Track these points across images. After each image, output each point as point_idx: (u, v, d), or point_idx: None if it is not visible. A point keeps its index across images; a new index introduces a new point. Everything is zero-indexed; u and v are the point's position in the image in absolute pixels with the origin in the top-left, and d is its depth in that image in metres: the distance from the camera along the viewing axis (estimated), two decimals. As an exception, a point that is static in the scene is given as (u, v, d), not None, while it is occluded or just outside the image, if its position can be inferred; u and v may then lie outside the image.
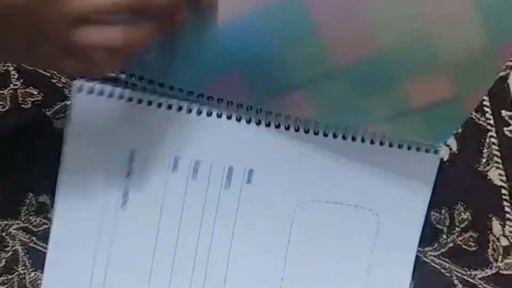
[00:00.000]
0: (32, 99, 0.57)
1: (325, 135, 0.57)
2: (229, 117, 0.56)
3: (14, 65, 0.57)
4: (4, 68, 0.58)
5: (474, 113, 0.62)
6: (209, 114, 0.56)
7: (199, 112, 0.56)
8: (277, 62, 0.52)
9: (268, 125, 0.56)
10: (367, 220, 0.58)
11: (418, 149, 0.57)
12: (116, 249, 0.55)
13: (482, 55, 0.51)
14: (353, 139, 0.57)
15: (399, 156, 0.57)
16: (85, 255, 0.55)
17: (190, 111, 0.56)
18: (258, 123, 0.57)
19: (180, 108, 0.56)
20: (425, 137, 0.56)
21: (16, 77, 0.58)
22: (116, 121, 0.55)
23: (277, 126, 0.57)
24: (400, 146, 0.57)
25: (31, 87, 0.58)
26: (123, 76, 0.55)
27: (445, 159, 0.60)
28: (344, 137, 0.56)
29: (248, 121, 0.57)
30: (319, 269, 0.57)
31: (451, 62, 0.51)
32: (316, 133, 0.57)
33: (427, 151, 0.57)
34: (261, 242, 0.57)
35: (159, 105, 0.56)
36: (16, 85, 0.58)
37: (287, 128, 0.57)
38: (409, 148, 0.57)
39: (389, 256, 0.58)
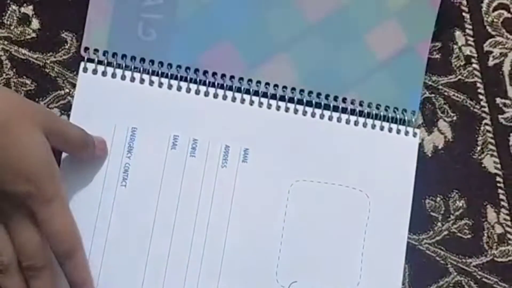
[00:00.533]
0: (25, 89, 0.58)
1: (313, 116, 0.60)
2: (224, 98, 0.59)
3: (7, 54, 0.58)
4: (-4, 58, 0.59)
5: (468, 101, 0.63)
6: (206, 95, 0.59)
7: (197, 92, 0.59)
8: (260, 27, 0.60)
9: (260, 105, 0.59)
10: (359, 201, 0.59)
11: (398, 132, 0.61)
12: (115, 224, 0.56)
13: (420, 4, 0.61)
14: (338, 120, 0.60)
15: (381, 139, 0.61)
16: (84, 230, 0.55)
17: (188, 91, 0.58)
18: (251, 103, 0.59)
19: (179, 88, 0.58)
20: (397, 99, 0.61)
21: (8, 66, 0.58)
22: (118, 100, 0.58)
23: (269, 107, 0.59)
24: (381, 129, 0.60)
25: (24, 77, 0.58)
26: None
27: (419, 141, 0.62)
28: (330, 119, 0.60)
29: (242, 102, 0.59)
30: (315, 248, 0.59)
31: (397, 9, 0.61)
32: (304, 114, 0.60)
33: (406, 134, 0.61)
34: (258, 220, 0.58)
35: (160, 85, 0.58)
36: (9, 74, 0.58)
37: (278, 109, 0.60)
38: (389, 131, 0.60)
39: (381, 236, 0.59)
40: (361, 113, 0.61)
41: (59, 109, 0.58)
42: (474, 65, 0.63)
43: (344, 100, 0.60)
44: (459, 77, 0.63)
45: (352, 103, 0.61)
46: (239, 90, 0.59)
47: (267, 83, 0.60)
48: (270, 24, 0.60)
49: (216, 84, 0.59)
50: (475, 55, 0.63)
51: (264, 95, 0.60)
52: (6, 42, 0.58)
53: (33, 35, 0.59)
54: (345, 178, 0.59)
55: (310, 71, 0.60)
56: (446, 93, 0.63)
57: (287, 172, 0.59)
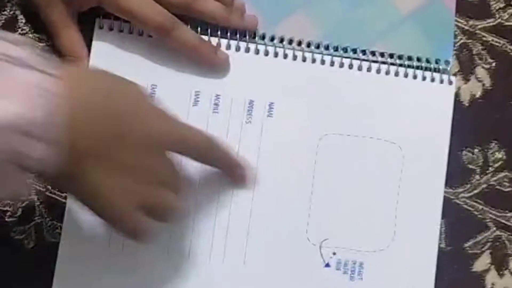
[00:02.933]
0: (41, 44, 0.57)
1: (341, 66, 0.57)
2: (247, 50, 0.57)
3: (21, 9, 0.57)
4: (11, 12, 0.57)
5: (509, 46, 0.60)
6: (228, 48, 0.57)
7: (219, 45, 0.56)
8: None
9: (285, 57, 0.57)
10: (391, 153, 0.57)
11: (432, 80, 0.58)
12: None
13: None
14: (368, 70, 0.57)
15: (415, 88, 0.58)
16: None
17: (210, 44, 0.56)
18: (276, 55, 0.57)
19: (200, 42, 0.56)
20: (428, 50, 0.58)
21: (24, 21, 0.57)
22: (136, 57, 0.56)
23: (294, 58, 0.57)
24: (415, 77, 0.57)
25: (40, 32, 0.57)
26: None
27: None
28: (359, 69, 0.57)
29: (266, 54, 0.57)
30: (346, 205, 0.57)
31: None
32: (332, 65, 0.57)
33: (441, 82, 0.58)
34: (286, 176, 0.56)
35: (179, 39, 0.56)
36: (24, 29, 0.57)
37: (304, 60, 0.57)
38: (423, 79, 0.57)
39: (416, 191, 0.57)
40: (392, 64, 0.57)
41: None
42: (515, 7, 0.60)
43: (373, 53, 0.58)
44: (499, 20, 0.60)
45: (382, 55, 0.58)
46: (262, 39, 0.57)
47: (291, 41, 0.57)
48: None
49: (238, 36, 0.57)
50: (516, -5, 0.60)
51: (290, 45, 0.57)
52: (20, -4, 0.56)
53: (49, -12, 0.57)
54: (376, 130, 0.57)
55: (331, 27, 0.58)
56: (484, 38, 0.60)
57: (315, 126, 0.57)
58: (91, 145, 0.43)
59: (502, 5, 0.60)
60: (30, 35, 0.56)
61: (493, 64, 0.60)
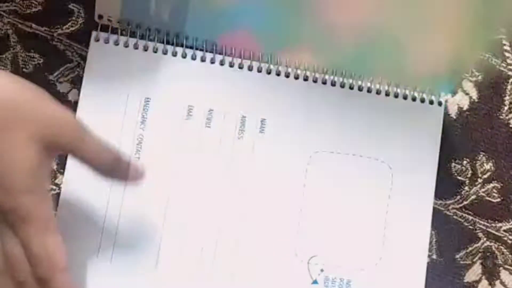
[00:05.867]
0: (33, 63, 0.57)
1: (333, 84, 0.58)
2: (240, 67, 0.57)
3: (14, 28, 0.57)
4: (3, 31, 0.57)
5: (494, 59, 0.60)
6: (222, 64, 0.57)
7: (213, 61, 0.57)
8: (277, 17, 0.56)
9: (278, 74, 0.57)
10: (380, 172, 0.57)
11: (422, 101, 0.59)
12: (129, 197, 0.55)
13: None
14: (360, 89, 0.58)
15: (405, 108, 0.58)
16: (98, 201, 0.54)
17: (203, 60, 0.57)
18: (269, 72, 0.57)
19: (194, 58, 0.57)
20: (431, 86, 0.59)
21: (16, 40, 0.57)
22: (131, 70, 0.56)
23: (287, 76, 0.57)
24: (405, 97, 0.58)
25: (32, 51, 0.57)
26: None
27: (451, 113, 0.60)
28: (351, 87, 0.58)
29: (259, 71, 0.57)
30: (335, 222, 0.57)
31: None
32: (324, 83, 0.58)
33: (431, 102, 0.58)
34: (275, 194, 0.56)
35: (174, 54, 0.56)
36: (16, 49, 0.57)
37: (297, 78, 0.58)
38: (413, 99, 0.58)
39: (405, 209, 0.57)
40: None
41: (69, 83, 0.56)
42: (499, 22, 0.61)
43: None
44: (484, 34, 0.60)
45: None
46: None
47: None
48: (287, 16, 0.56)
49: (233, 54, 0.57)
50: (500, 11, 0.61)
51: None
52: (12, 16, 0.56)
53: (40, 7, 0.57)
54: (366, 148, 0.57)
55: (332, 62, 0.58)
56: (470, 52, 0.60)
57: (306, 143, 0.57)
58: None
59: (487, 21, 0.61)
60: (22, 54, 0.56)
61: (479, 77, 0.60)
